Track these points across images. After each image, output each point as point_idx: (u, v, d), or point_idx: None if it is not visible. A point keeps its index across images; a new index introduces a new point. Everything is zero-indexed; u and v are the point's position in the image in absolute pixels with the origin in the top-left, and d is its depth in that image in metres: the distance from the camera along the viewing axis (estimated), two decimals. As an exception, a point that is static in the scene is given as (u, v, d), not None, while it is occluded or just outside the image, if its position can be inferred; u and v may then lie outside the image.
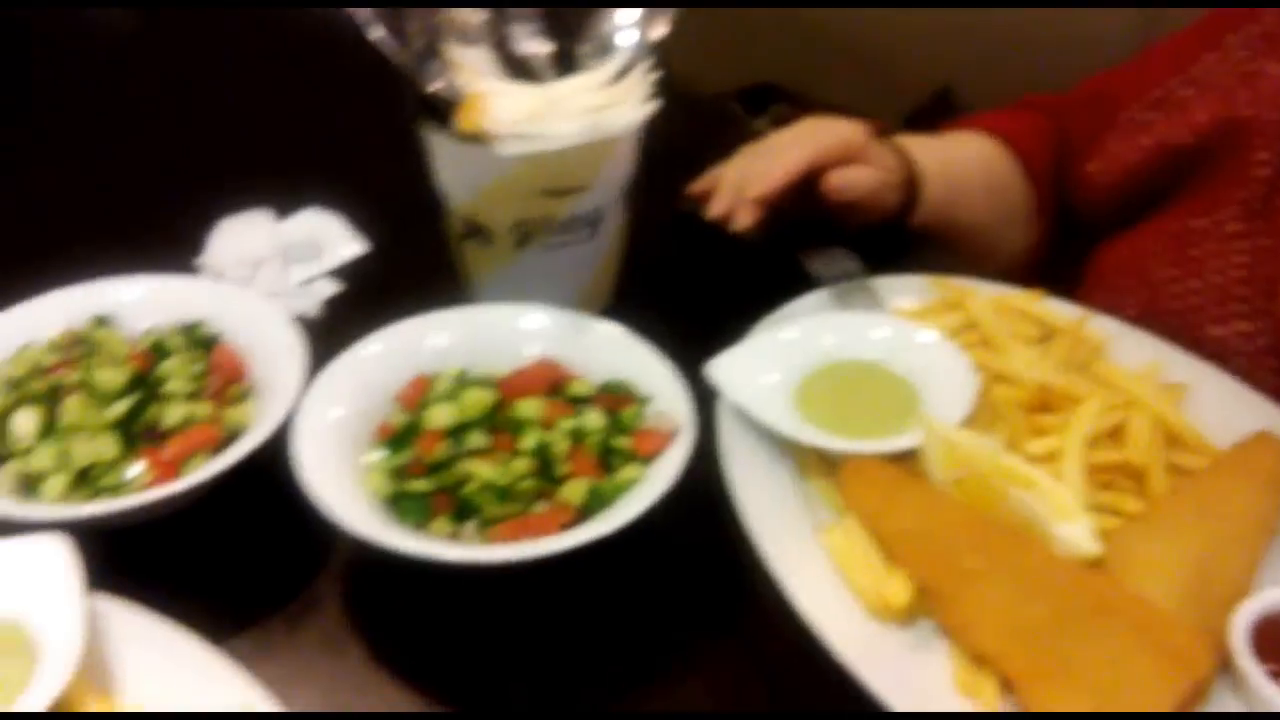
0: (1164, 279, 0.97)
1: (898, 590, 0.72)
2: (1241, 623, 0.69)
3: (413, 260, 1.09)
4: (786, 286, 0.96)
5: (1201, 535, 0.73)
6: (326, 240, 1.12)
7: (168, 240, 1.06)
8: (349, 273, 1.09)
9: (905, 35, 1.93)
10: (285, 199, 1.13)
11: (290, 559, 0.80)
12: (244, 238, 1.09)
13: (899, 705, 0.65)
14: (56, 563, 0.68)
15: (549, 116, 0.84)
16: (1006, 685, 0.68)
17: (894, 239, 1.11)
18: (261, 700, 0.64)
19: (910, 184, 1.09)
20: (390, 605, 0.78)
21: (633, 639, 0.77)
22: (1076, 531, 0.72)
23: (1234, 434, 0.82)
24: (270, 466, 0.77)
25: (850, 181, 1.02)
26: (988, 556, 0.71)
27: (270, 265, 1.07)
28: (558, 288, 0.94)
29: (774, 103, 1.77)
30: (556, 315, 0.88)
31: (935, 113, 1.58)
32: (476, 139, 0.86)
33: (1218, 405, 0.85)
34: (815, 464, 0.82)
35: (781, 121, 1.15)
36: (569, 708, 0.72)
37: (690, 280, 1.08)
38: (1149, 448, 0.81)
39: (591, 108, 0.84)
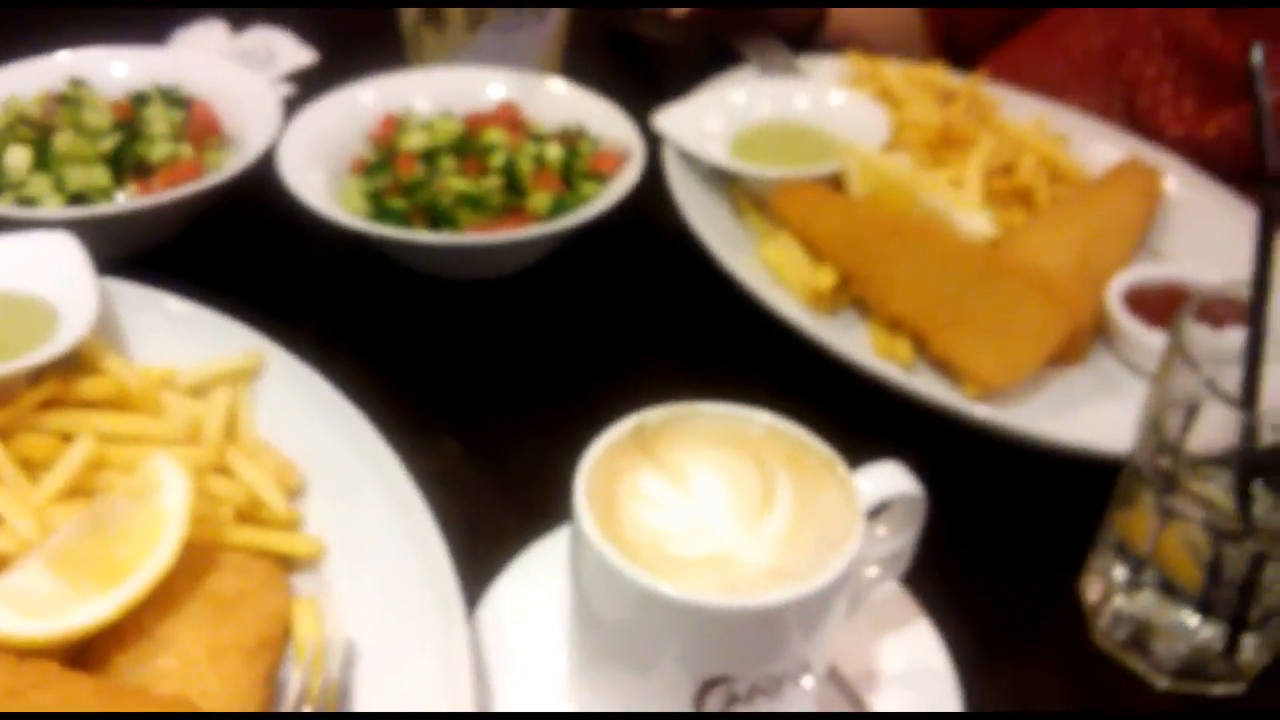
0: (1036, 64, 1.11)
1: (825, 277, 0.82)
2: (1116, 287, 0.81)
3: (362, 67, 1.15)
4: (717, 67, 1.05)
5: (1083, 227, 0.85)
6: (278, 49, 1.17)
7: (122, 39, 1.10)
8: (302, 79, 1.15)
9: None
10: (235, 11, 1.18)
11: (279, 275, 0.87)
12: (199, 48, 1.15)
13: (831, 350, 0.76)
14: (66, 250, 0.74)
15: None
16: (918, 343, 0.79)
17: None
18: (264, 343, 0.71)
19: None
20: (372, 313, 0.86)
21: (598, 340, 0.86)
22: (977, 219, 0.83)
23: (1104, 166, 0.95)
24: (250, 208, 0.84)
25: None
26: (902, 242, 0.82)
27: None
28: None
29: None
30: (515, 74, 0.96)
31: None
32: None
33: (1091, 149, 0.98)
34: (749, 202, 0.92)
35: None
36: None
37: (630, 67, 1.17)
38: (1035, 178, 0.93)
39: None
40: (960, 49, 1.28)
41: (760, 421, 0.55)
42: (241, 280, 0.85)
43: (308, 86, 1.12)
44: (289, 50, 1.17)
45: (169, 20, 1.16)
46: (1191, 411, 0.58)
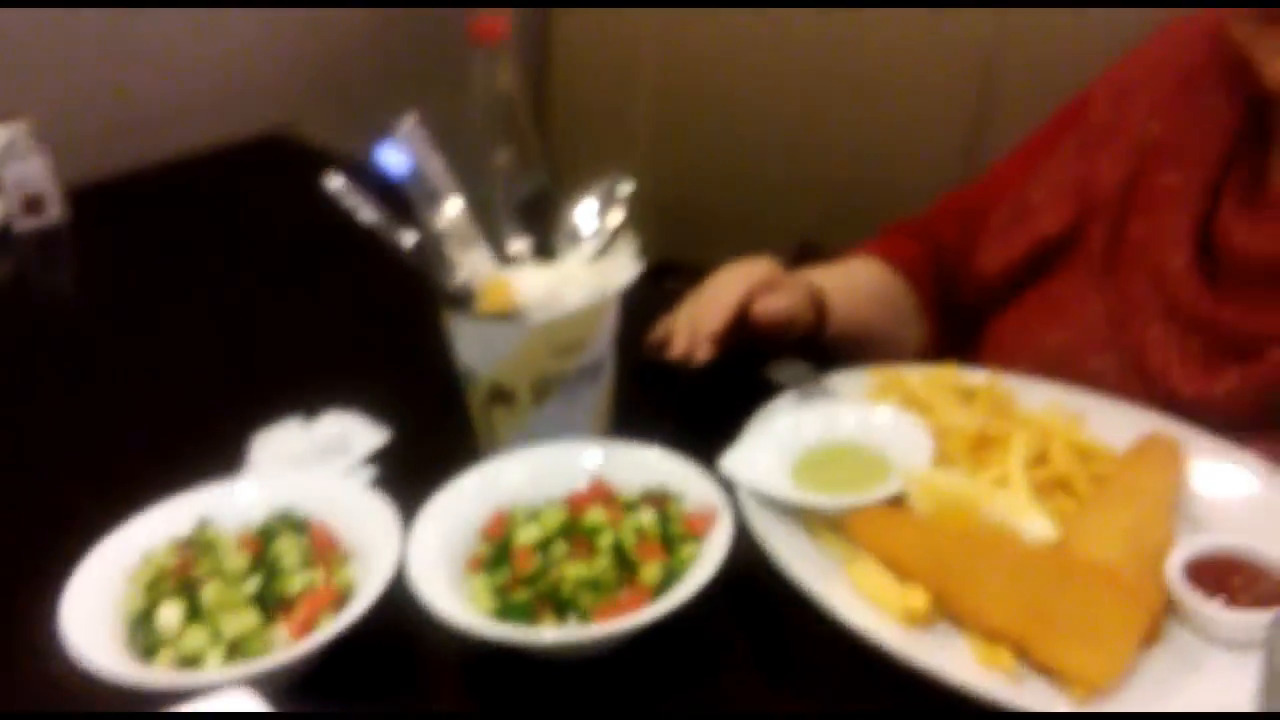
0: (1043, 333, 1.24)
1: (916, 597, 0.91)
2: (1174, 565, 0.91)
3: (433, 440, 1.26)
4: (753, 396, 1.17)
5: (1129, 511, 0.96)
6: (353, 435, 1.28)
7: (202, 452, 1.20)
8: (377, 458, 1.25)
9: (763, 198, 2.26)
10: (308, 397, 1.30)
11: (408, 672, 0.96)
12: (281, 445, 1.25)
13: (942, 678, 0.84)
14: (247, 708, 0.82)
15: (559, 289, 1.05)
16: (1017, 650, 0.88)
17: (815, 353, 1.35)
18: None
19: (818, 304, 1.34)
20: (507, 702, 0.93)
21: (719, 682, 0.94)
22: (1037, 524, 0.94)
23: (1124, 437, 1.07)
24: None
25: (773, 307, 1.27)
26: (978, 556, 0.92)
27: (308, 465, 1.23)
28: (569, 432, 1.13)
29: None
30: (592, 444, 1.07)
31: (803, 260, 1.81)
32: (500, 316, 1.06)
33: (1108, 422, 1.10)
34: (822, 525, 1.02)
35: (675, 292, 1.38)
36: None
37: (671, 405, 1.29)
38: (1069, 464, 1.04)
39: (590, 277, 1.06)
40: (959, 320, 1.42)
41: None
42: (373, 683, 0.94)
43: (385, 467, 1.22)
44: (362, 434, 1.28)
45: (242, 412, 1.28)
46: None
